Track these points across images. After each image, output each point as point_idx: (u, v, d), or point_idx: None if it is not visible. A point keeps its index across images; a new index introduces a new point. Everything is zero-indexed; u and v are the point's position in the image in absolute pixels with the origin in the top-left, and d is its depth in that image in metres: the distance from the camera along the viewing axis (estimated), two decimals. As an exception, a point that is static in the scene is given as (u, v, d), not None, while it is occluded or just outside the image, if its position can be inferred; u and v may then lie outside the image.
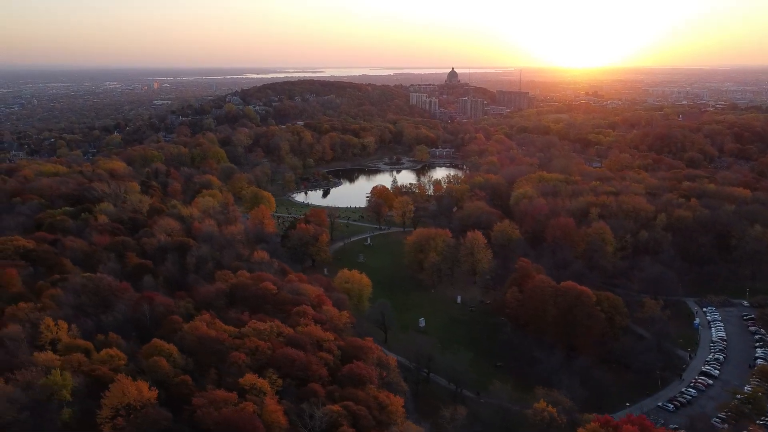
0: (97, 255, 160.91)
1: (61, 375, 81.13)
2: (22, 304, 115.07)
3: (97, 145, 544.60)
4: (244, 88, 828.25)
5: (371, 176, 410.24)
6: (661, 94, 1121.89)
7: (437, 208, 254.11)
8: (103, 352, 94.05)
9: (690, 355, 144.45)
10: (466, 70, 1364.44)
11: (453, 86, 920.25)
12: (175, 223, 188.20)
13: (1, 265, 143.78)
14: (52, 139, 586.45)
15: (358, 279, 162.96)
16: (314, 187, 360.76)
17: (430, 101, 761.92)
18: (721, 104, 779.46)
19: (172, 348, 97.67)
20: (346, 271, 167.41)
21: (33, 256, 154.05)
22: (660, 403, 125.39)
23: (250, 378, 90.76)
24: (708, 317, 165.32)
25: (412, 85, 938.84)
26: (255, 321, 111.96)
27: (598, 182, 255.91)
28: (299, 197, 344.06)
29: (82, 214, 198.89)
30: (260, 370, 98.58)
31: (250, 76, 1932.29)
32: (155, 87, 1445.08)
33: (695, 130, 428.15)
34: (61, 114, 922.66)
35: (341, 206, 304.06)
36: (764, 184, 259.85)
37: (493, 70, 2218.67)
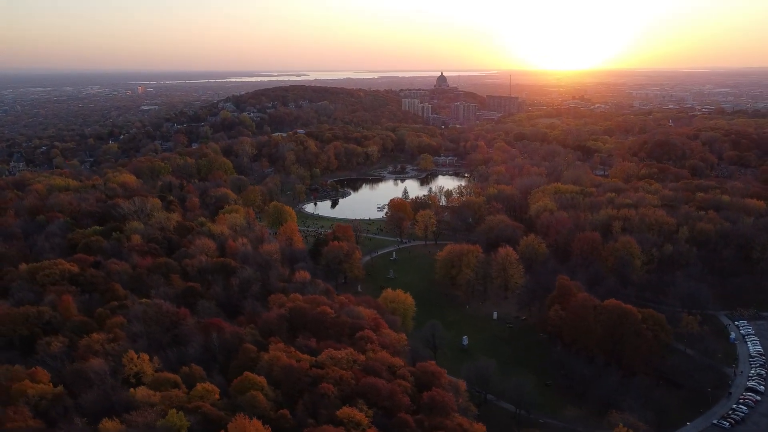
0: (143, 278, 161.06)
1: (177, 415, 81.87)
2: (95, 335, 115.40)
3: (93, 154, 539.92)
4: (236, 94, 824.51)
5: (377, 185, 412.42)
6: (645, 97, 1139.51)
7: (457, 220, 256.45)
8: (199, 386, 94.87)
9: (735, 371, 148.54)
10: (453, 73, 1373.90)
11: (443, 91, 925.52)
12: (211, 243, 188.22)
13: (54, 291, 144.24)
14: (44, 148, 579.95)
15: (403, 299, 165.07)
16: (323, 198, 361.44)
17: (423, 107, 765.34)
18: (708, 108, 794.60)
19: (262, 381, 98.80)
20: (389, 290, 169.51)
21: (81, 281, 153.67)
22: (715, 421, 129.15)
23: (347, 411, 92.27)
24: (741, 331, 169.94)
25: (402, 90, 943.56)
26: (331, 349, 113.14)
27: (613, 194, 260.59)
28: (308, 208, 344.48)
29: (113, 233, 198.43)
30: (347, 400, 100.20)
31: (234, 79, 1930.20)
32: (140, 92, 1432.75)
33: (693, 137, 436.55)
34: (46, 120, 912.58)
35: (352, 217, 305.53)
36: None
37: (477, 73, 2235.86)
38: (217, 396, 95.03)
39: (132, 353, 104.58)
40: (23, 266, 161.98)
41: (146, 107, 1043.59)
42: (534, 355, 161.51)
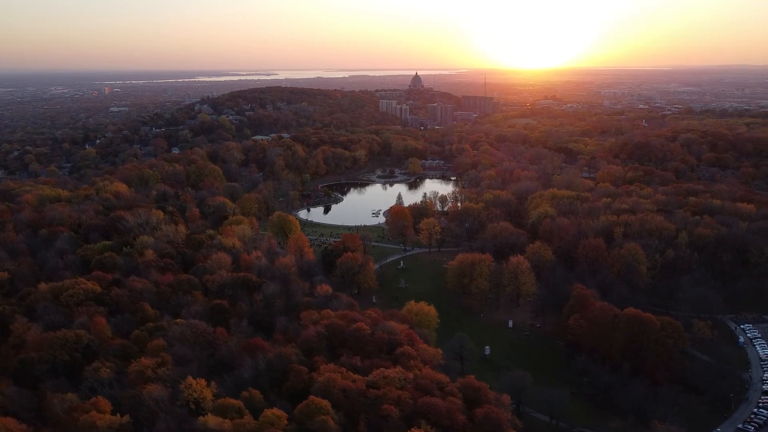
0: (168, 296, 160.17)
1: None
2: (144, 360, 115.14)
3: (71, 159, 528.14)
4: (211, 96, 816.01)
5: (367, 190, 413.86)
6: (614, 96, 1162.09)
7: (459, 228, 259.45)
8: (268, 413, 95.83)
9: (751, 375, 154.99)
10: (423, 72, 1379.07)
11: (418, 91, 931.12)
12: (227, 258, 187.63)
13: (83, 313, 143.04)
14: (16, 152, 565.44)
15: (427, 311, 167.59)
16: (316, 204, 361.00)
17: (401, 108, 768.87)
18: (677, 108, 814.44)
19: (327, 404, 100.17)
20: (413, 302, 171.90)
21: (106, 301, 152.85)
22: (740, 425, 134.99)
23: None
24: (748, 335, 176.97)
25: (377, 90, 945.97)
26: (382, 368, 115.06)
27: (609, 199, 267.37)
28: (301, 214, 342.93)
29: (124, 248, 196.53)
30: (407, 420, 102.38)
31: (202, 79, 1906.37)
32: (106, 92, 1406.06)
33: (671, 138, 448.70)
34: (12, 122, 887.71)
35: (347, 224, 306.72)
36: (758, 197, 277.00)
37: (447, 72, 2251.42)
38: (285, 421, 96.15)
39: (191, 379, 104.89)
40: (43, 286, 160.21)
41: (116, 108, 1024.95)
42: (554, 363, 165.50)
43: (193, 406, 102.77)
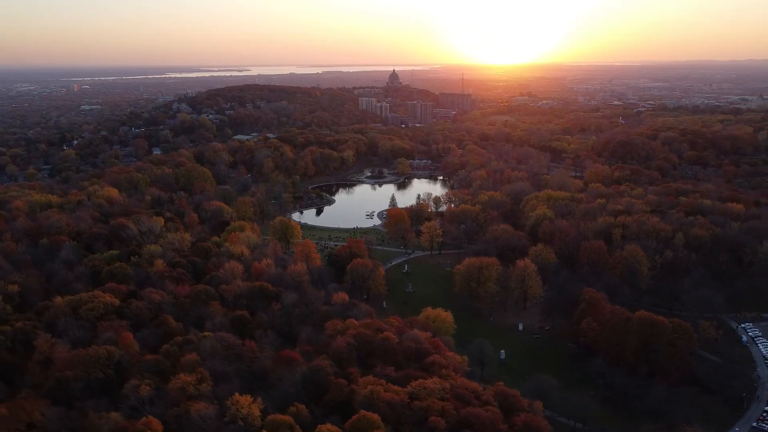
0: (187, 308, 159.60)
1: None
2: (183, 377, 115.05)
3: (50, 161, 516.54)
4: (189, 95, 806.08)
5: (356, 191, 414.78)
6: (587, 92, 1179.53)
7: (459, 230, 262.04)
8: (323, 428, 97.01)
9: (758, 374, 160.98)
10: (399, 68, 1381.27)
11: (396, 89, 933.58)
12: (239, 266, 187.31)
13: (107, 327, 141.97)
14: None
15: (444, 317, 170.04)
16: (308, 206, 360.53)
17: (381, 106, 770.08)
18: (650, 104, 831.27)
19: (377, 418, 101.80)
20: (430, 309, 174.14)
21: (126, 314, 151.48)
22: (754, 424, 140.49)
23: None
24: (750, 333, 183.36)
25: (355, 88, 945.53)
26: (421, 380, 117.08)
27: (603, 200, 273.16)
28: (294, 217, 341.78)
29: (131, 257, 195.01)
30: (452, 431, 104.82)
31: (172, 75, 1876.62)
32: (75, 89, 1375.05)
33: (652, 137, 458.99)
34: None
35: (342, 226, 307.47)
36: (746, 196, 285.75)
37: (420, 68, 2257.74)
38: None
39: (237, 396, 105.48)
40: (59, 300, 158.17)
41: (87, 107, 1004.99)
42: (566, 366, 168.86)
43: (241, 423, 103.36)
